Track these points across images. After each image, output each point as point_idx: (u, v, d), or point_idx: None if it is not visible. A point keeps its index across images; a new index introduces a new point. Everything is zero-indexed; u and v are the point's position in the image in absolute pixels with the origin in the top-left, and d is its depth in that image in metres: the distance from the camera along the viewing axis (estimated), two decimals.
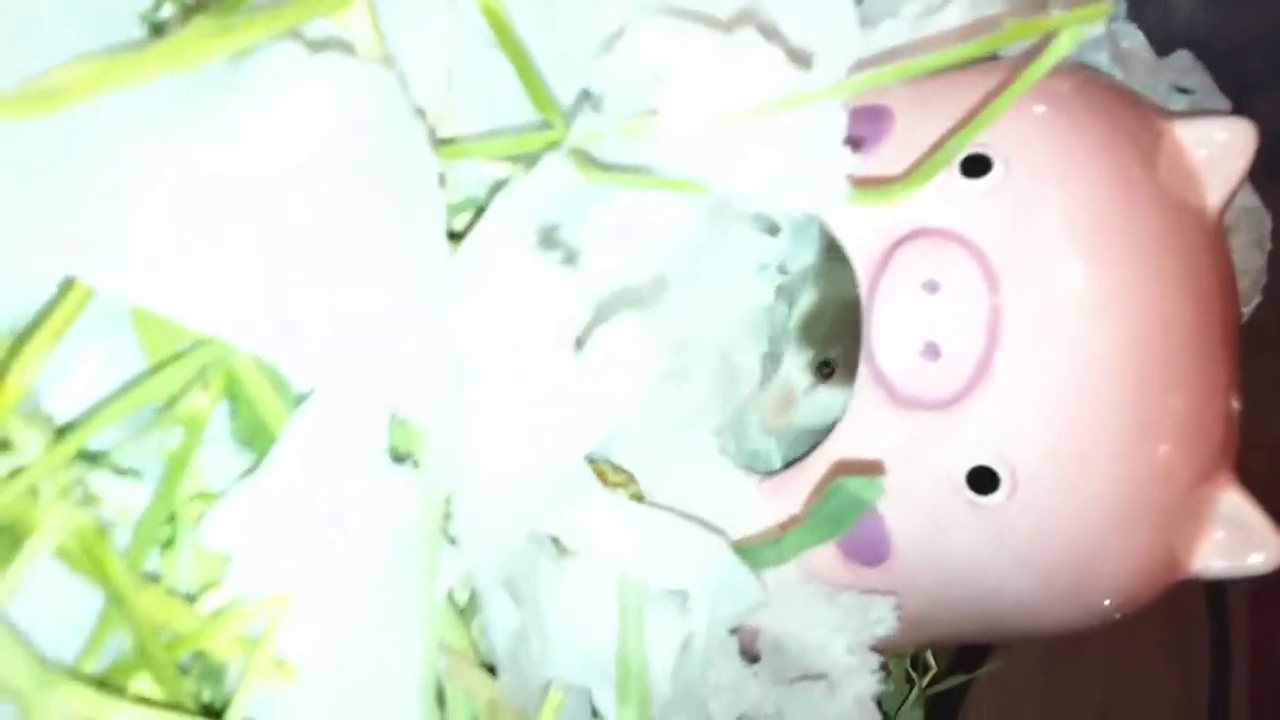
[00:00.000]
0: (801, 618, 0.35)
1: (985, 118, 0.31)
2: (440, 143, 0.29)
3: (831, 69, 0.29)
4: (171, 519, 0.25)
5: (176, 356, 0.24)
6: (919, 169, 0.32)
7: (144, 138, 0.21)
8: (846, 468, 0.33)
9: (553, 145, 0.28)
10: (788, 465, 0.38)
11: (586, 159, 0.28)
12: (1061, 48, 0.29)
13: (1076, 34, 0.28)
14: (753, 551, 0.32)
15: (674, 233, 0.32)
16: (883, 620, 0.35)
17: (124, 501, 0.24)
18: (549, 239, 0.27)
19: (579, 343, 0.25)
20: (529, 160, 0.27)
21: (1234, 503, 0.37)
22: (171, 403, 0.25)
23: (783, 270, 0.41)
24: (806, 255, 0.40)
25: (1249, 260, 0.42)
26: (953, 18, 0.36)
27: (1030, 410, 0.34)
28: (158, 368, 0.24)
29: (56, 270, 0.22)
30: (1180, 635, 0.55)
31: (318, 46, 0.25)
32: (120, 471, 0.25)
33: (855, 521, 0.31)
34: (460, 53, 0.28)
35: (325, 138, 0.24)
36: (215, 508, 0.24)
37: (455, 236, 0.28)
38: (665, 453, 0.33)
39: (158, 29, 0.24)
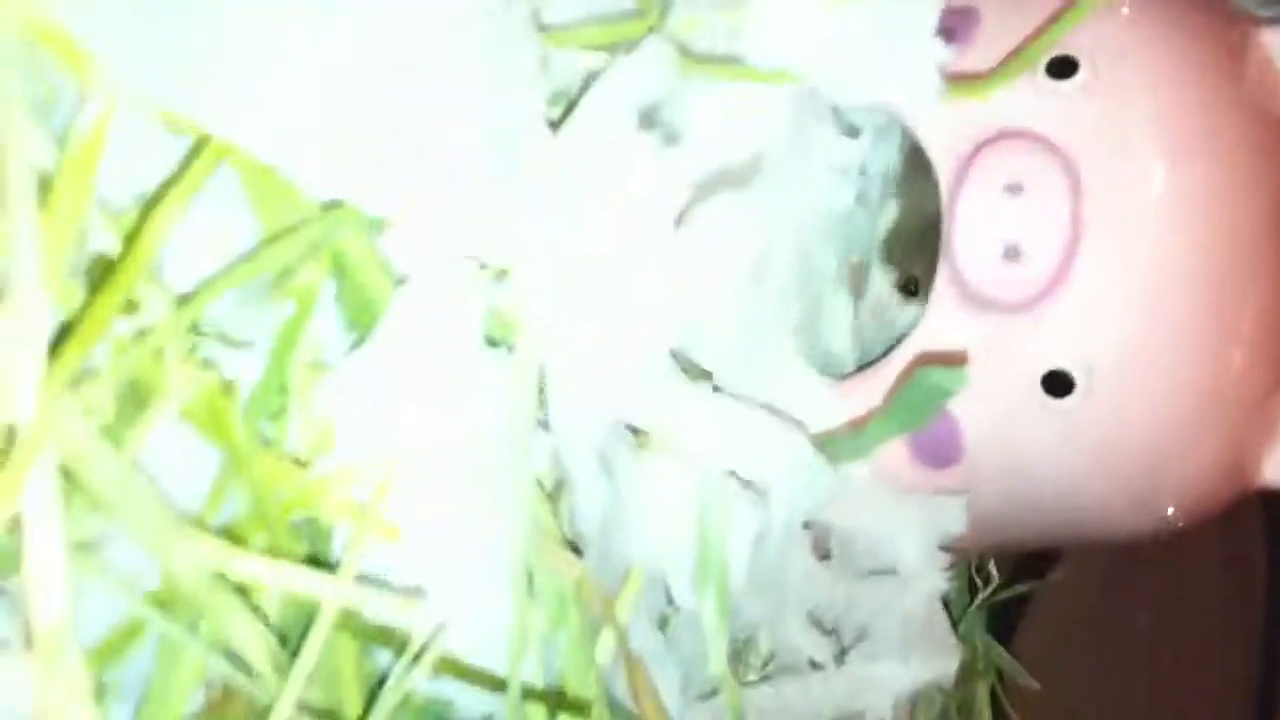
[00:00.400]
0: (873, 515, 0.36)
1: (1077, 13, 0.31)
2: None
3: None
4: (283, 389, 0.26)
5: (290, 230, 0.25)
6: (1008, 65, 0.32)
7: (276, 6, 0.22)
8: (928, 359, 0.34)
9: (649, 33, 0.29)
10: (863, 368, 0.39)
11: (682, 49, 0.28)
12: None
13: None
14: (832, 444, 0.33)
15: (764, 125, 0.32)
16: (954, 520, 0.36)
17: (240, 369, 0.25)
18: (649, 119, 0.27)
19: (678, 222, 0.26)
20: (625, 49, 0.28)
21: None
22: (284, 275, 0.25)
23: (863, 173, 0.41)
24: (887, 159, 0.41)
25: None
26: None
27: (1108, 315, 0.34)
28: (271, 240, 0.25)
29: (192, 125, 0.23)
30: (1238, 551, 0.55)
31: None
32: (234, 342, 0.26)
33: (937, 411, 0.32)
34: None
35: (437, 14, 0.25)
36: (325, 378, 0.25)
37: (550, 127, 0.28)
38: (743, 349, 0.33)
39: None
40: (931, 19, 0.30)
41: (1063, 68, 0.35)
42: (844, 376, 0.39)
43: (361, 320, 0.27)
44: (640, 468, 0.31)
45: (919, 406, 0.32)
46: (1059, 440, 0.36)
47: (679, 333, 0.28)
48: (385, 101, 0.24)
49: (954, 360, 0.32)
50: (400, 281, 0.27)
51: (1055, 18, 0.33)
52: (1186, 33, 0.36)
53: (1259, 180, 0.35)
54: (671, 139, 0.27)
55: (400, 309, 0.27)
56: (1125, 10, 0.36)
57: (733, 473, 0.31)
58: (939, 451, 0.37)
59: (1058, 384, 0.35)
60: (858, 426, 0.34)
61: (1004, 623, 0.51)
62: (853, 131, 0.39)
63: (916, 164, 0.40)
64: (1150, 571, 0.54)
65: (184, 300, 0.24)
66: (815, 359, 0.40)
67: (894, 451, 0.37)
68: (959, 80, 0.32)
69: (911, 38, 0.29)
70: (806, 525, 0.35)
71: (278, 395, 0.26)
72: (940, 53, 0.30)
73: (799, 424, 0.32)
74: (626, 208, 0.26)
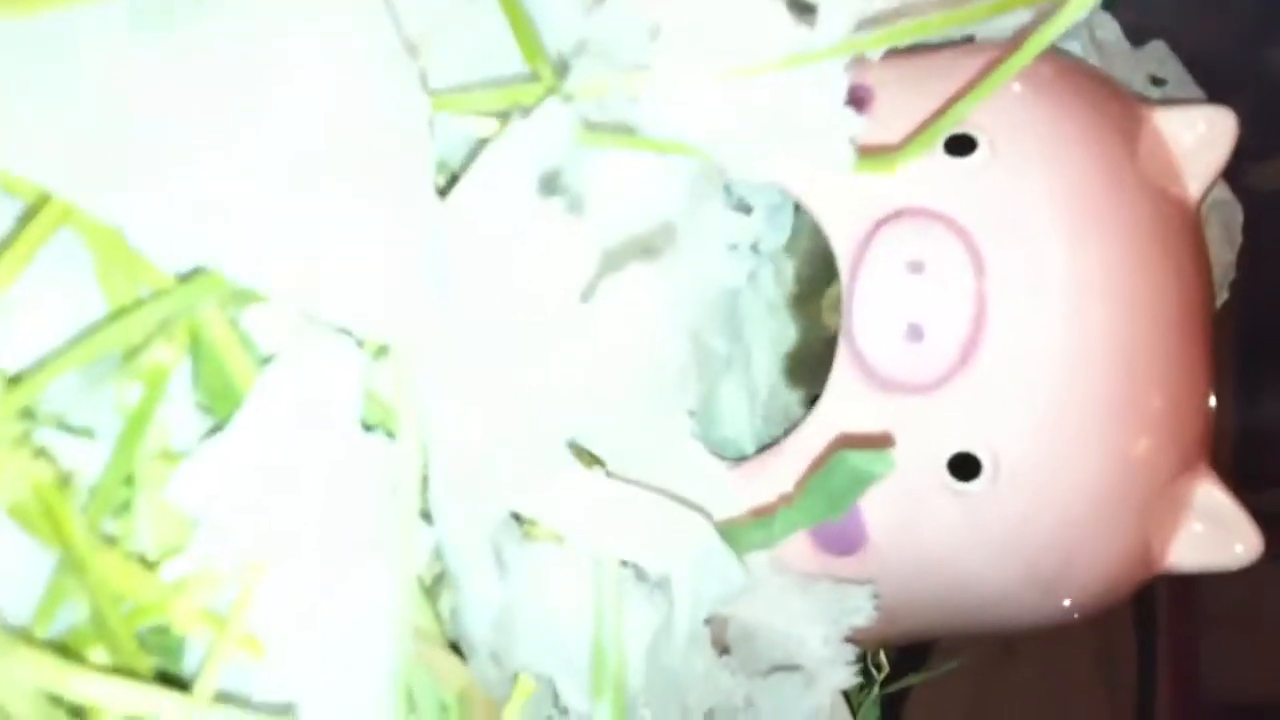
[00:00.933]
0: (774, 607, 0.34)
1: (985, 88, 0.30)
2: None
3: (835, 26, 0.28)
4: (130, 481, 0.23)
5: (139, 302, 0.22)
6: (915, 139, 0.31)
7: (127, 49, 0.19)
8: (846, 441, 0.32)
9: (545, 97, 0.27)
10: (761, 450, 0.37)
11: (579, 114, 0.26)
12: (1074, 10, 0.28)
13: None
14: (738, 532, 0.31)
15: (665, 195, 0.31)
16: (860, 609, 0.34)
17: (79, 460, 0.22)
18: (550, 185, 0.25)
19: (585, 295, 0.24)
20: (519, 114, 0.26)
21: (1211, 495, 0.36)
22: (133, 353, 0.23)
23: (755, 250, 0.40)
24: (779, 237, 0.40)
25: (1219, 254, 0.42)
26: None
27: (1015, 394, 0.33)
28: (118, 315, 0.23)
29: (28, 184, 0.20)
30: (1108, 641, 0.55)
31: None
32: (74, 428, 0.23)
33: (857, 499, 0.30)
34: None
35: (312, 65, 0.23)
36: (181, 467, 0.23)
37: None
38: (641, 432, 0.31)
39: None
40: (840, 88, 0.28)
41: (961, 145, 0.34)
42: (742, 460, 0.37)
43: (221, 403, 0.25)
44: (531, 560, 0.29)
45: (837, 494, 0.30)
46: (968, 525, 0.34)
47: (578, 415, 0.26)
48: (254, 160, 0.22)
49: (874, 443, 0.30)
50: (265, 360, 0.25)
51: (959, 94, 0.32)
52: (1083, 111, 0.35)
53: (1160, 260, 0.35)
54: (575, 206, 0.25)
55: (265, 390, 0.24)
56: (1017, 87, 0.35)
57: (631, 564, 0.29)
58: (842, 538, 0.35)
59: (964, 467, 0.34)
60: (764, 514, 0.32)
61: (889, 714, 0.49)
62: (744, 208, 0.38)
63: (812, 242, 0.39)
64: (1023, 662, 0.54)
65: (16, 381, 0.21)
66: (711, 443, 0.39)
67: (794, 537, 0.36)
68: (864, 154, 0.31)
69: (822, 110, 0.28)
70: (707, 620, 0.33)
71: (123, 488, 0.23)
72: (853, 124, 0.29)
73: (702, 511, 0.30)
74: (526, 279, 0.24)
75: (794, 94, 0.28)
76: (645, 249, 0.27)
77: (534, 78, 0.28)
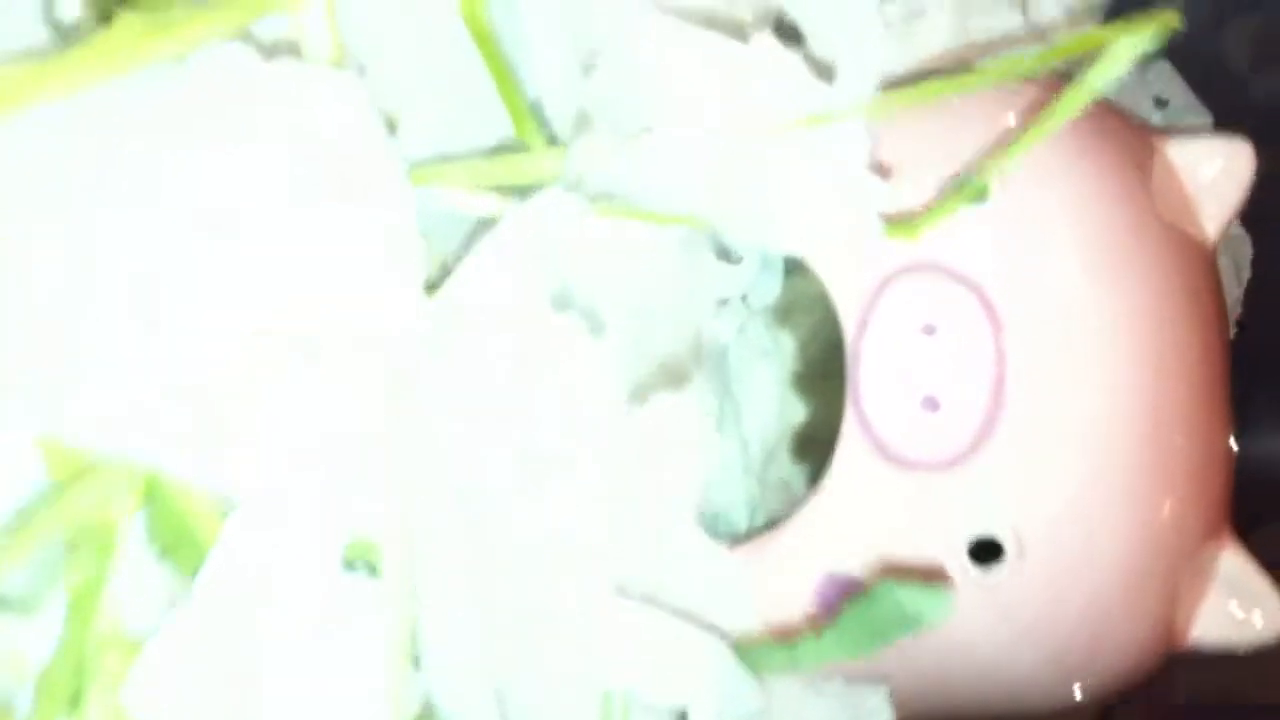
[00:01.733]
0: (787, 709, 0.31)
1: (1021, 144, 0.27)
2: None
3: (858, 83, 0.25)
4: (79, 670, 0.19)
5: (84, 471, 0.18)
6: (943, 200, 0.28)
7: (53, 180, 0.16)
8: (897, 571, 0.29)
9: (544, 173, 0.23)
10: (766, 526, 0.34)
11: (590, 190, 0.23)
12: (1121, 60, 0.25)
13: (1137, 46, 0.25)
14: (757, 654, 0.28)
15: (656, 265, 0.28)
16: (878, 711, 0.32)
17: (24, 642, 0.19)
18: (564, 299, 0.22)
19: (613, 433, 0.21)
20: (516, 195, 0.22)
21: (1235, 564, 0.34)
22: (78, 520, 0.19)
23: (745, 302, 0.36)
24: (770, 290, 0.37)
25: (1229, 291, 0.39)
26: (939, 26, 0.33)
27: (1040, 469, 0.31)
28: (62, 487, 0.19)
29: None
30: None
31: (270, 51, 0.19)
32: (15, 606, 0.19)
33: (900, 639, 0.27)
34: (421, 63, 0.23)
35: (283, 167, 0.19)
36: (137, 661, 0.19)
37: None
38: (648, 553, 0.28)
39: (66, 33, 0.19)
40: (863, 152, 0.25)
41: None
42: (737, 539, 0.34)
43: (183, 556, 0.21)
44: (538, 695, 0.25)
45: (877, 630, 0.27)
46: (990, 612, 0.32)
47: (588, 549, 0.23)
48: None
49: (930, 576, 0.27)
50: (230, 510, 0.21)
51: (990, 147, 0.30)
52: (1100, 146, 0.33)
53: (1184, 308, 0.33)
54: (596, 325, 0.22)
55: (232, 540, 0.21)
56: None
57: (645, 693, 0.26)
58: None
59: (985, 552, 0.31)
60: (789, 637, 0.29)
61: None
62: (732, 256, 0.35)
63: (808, 298, 0.36)
64: None
65: None
66: (705, 519, 0.36)
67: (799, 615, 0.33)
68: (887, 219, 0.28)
69: (842, 173, 0.25)
70: None
71: (72, 678, 0.19)
72: (879, 191, 0.26)
73: (719, 631, 0.27)
74: (540, 409, 0.20)
75: (812, 158, 0.25)
76: (673, 375, 0.24)
77: (523, 147, 0.24)
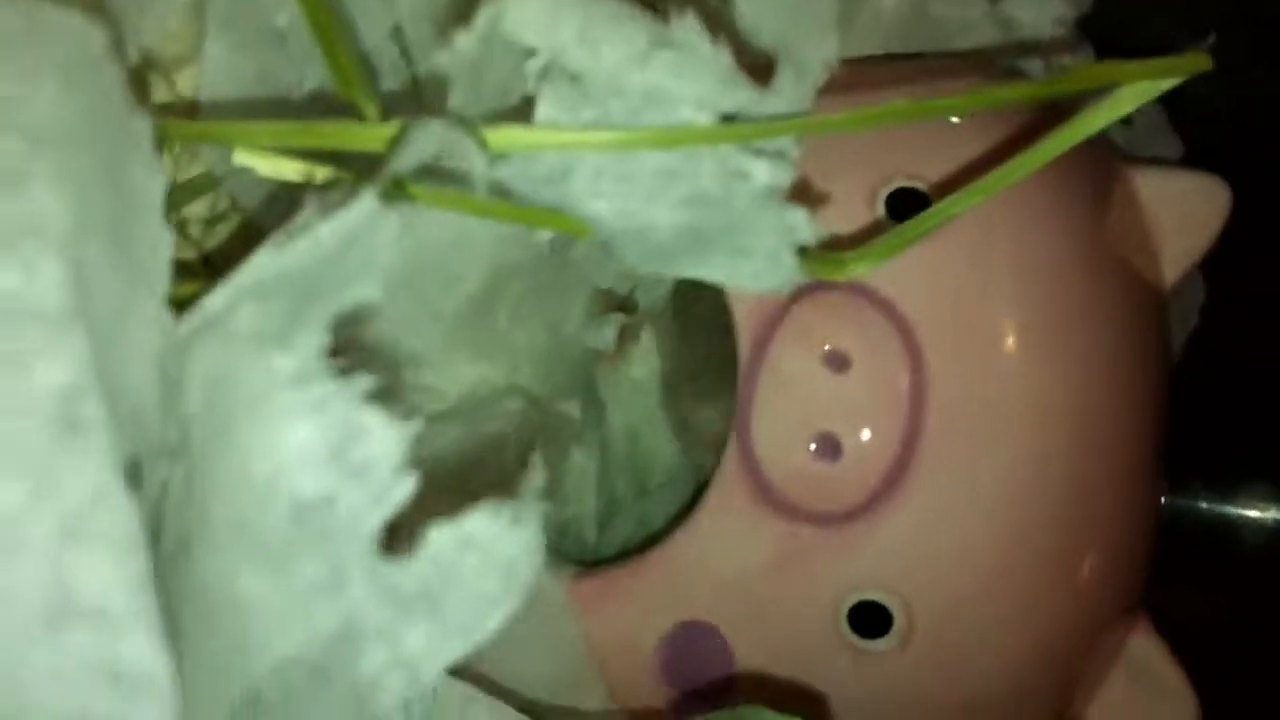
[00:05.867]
0: None
1: (990, 184, 0.23)
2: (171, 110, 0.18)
3: (793, 93, 0.20)
4: None
5: None
6: (887, 237, 0.23)
7: None
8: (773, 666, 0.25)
9: (366, 151, 0.18)
10: (618, 556, 0.30)
11: (412, 179, 0.18)
12: (1133, 102, 0.21)
13: (1147, 92, 0.21)
14: None
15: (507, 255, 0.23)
16: None
17: None
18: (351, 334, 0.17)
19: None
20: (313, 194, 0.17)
21: (1145, 649, 0.31)
22: None
23: (629, 306, 0.31)
24: (656, 295, 0.32)
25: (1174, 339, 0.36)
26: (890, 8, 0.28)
27: (946, 538, 0.27)
28: None
29: None
30: None
31: None
32: None
33: None
34: None
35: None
36: None
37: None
38: None
39: None
40: (785, 176, 0.21)
41: (907, 206, 0.27)
42: (588, 568, 0.30)
43: None
44: None
45: None
46: (863, 689, 0.28)
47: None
48: None
49: (823, 696, 0.23)
50: None
51: (956, 174, 0.25)
52: (1057, 178, 0.28)
53: (1128, 365, 0.30)
54: (393, 398, 0.16)
55: None
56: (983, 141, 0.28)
57: None
58: (706, 690, 0.28)
59: (868, 620, 0.27)
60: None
61: None
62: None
63: (696, 307, 0.31)
64: None
65: None
66: (555, 523, 0.31)
67: (646, 682, 0.29)
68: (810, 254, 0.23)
69: (759, 202, 0.20)
70: None
71: None
72: (800, 224, 0.21)
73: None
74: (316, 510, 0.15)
75: (725, 174, 0.20)
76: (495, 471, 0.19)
77: (353, 113, 0.19)
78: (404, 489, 0.15)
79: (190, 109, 0.21)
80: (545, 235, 0.24)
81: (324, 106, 0.23)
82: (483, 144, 0.18)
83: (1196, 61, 0.21)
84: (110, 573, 0.13)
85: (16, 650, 0.13)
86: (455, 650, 0.16)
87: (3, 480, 0.13)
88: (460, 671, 0.25)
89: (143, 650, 0.13)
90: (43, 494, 0.13)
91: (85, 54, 0.14)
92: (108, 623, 0.13)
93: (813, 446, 0.27)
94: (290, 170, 0.19)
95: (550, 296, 0.27)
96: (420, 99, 0.23)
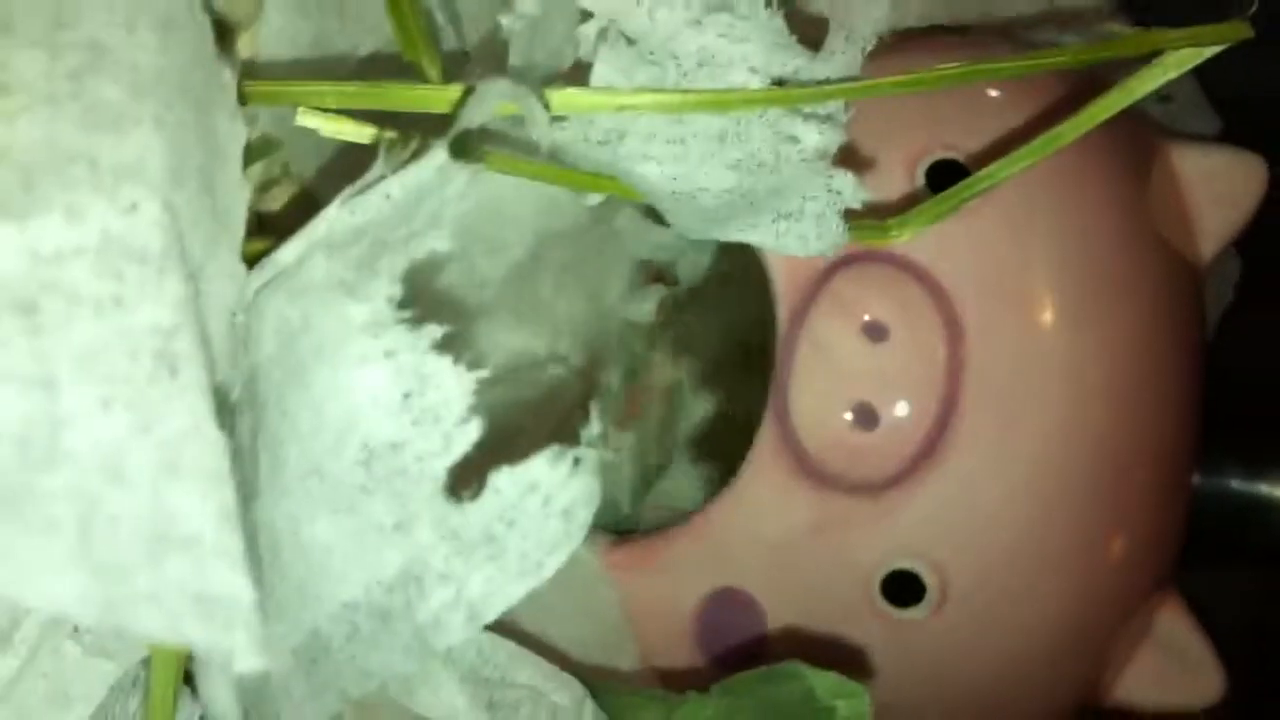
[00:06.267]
0: None
1: (1031, 151, 0.23)
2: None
3: (843, 57, 0.21)
4: None
5: None
6: (932, 202, 0.24)
7: None
8: (806, 632, 0.26)
9: (426, 113, 0.19)
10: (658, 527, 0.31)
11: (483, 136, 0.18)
12: (1177, 69, 0.21)
13: (1189, 59, 0.21)
14: (626, 704, 0.24)
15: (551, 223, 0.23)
16: None
17: None
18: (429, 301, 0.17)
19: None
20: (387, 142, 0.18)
21: (1174, 625, 0.31)
22: None
23: (671, 279, 0.32)
24: (699, 265, 0.32)
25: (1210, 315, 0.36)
26: None
27: (982, 507, 0.28)
28: None
29: None
30: None
31: None
32: None
33: None
34: None
35: None
36: None
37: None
38: None
39: None
40: (835, 139, 0.21)
41: (948, 177, 0.27)
42: (625, 535, 0.30)
43: None
44: None
45: (777, 714, 0.23)
46: (895, 655, 0.29)
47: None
48: None
49: (854, 661, 0.23)
50: None
51: (997, 143, 0.25)
52: (1099, 152, 0.29)
53: (1165, 338, 0.30)
54: (451, 344, 0.17)
55: None
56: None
57: None
58: (738, 653, 0.29)
59: (901, 588, 0.28)
60: (667, 681, 0.26)
61: None
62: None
63: (738, 275, 0.32)
64: None
65: None
66: None
67: (679, 646, 0.29)
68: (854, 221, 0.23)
69: (808, 166, 0.21)
70: None
71: None
72: (848, 189, 0.21)
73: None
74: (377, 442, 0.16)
75: (776, 137, 0.20)
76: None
77: (416, 75, 0.19)
78: (470, 434, 0.16)
79: (246, 72, 0.21)
80: (588, 204, 0.25)
81: (378, 72, 0.23)
82: (547, 105, 0.19)
83: (1238, 30, 0.21)
84: (202, 504, 0.14)
85: (119, 574, 0.14)
86: (516, 592, 0.16)
87: (108, 414, 0.14)
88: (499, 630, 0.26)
89: (230, 580, 0.14)
90: (144, 427, 0.14)
91: (179, 6, 0.15)
92: (200, 551, 0.14)
93: (850, 416, 0.27)
94: (352, 132, 0.19)
95: (591, 266, 0.28)
96: (470, 65, 0.23)
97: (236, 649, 0.14)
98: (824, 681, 0.22)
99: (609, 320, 0.30)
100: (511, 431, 0.27)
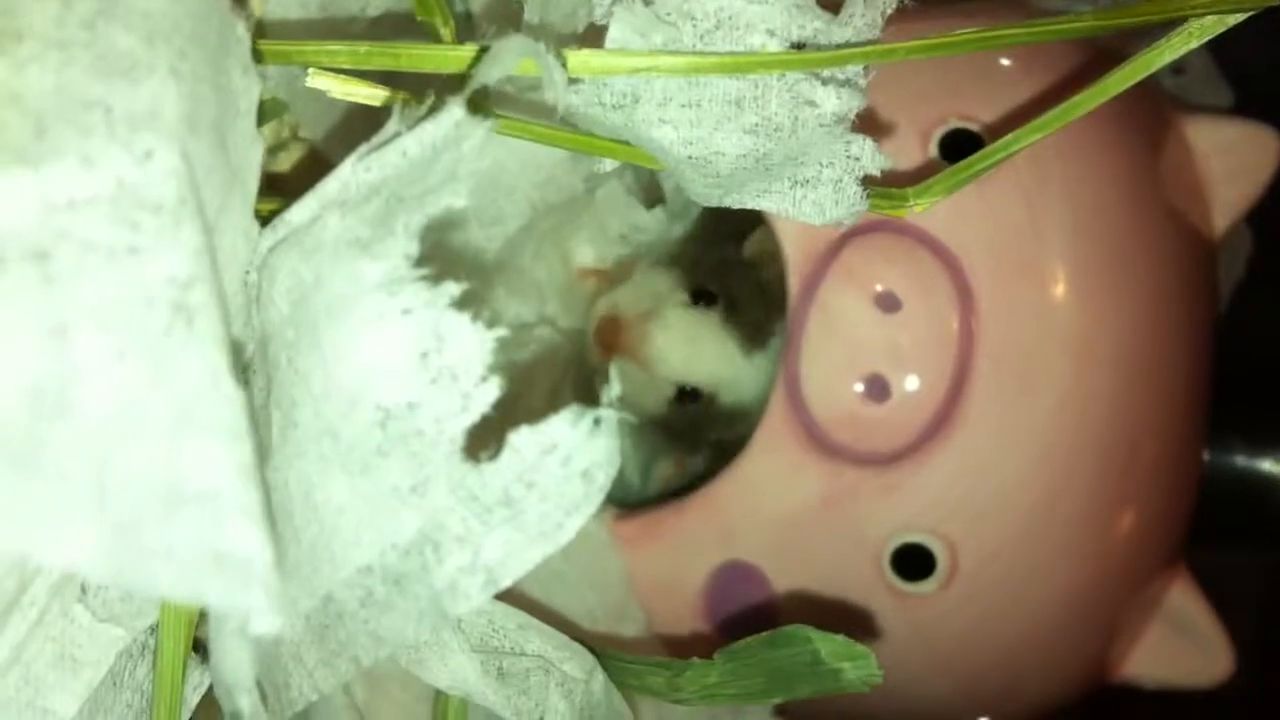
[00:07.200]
0: None
1: (1054, 119, 0.23)
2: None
3: (861, 21, 0.20)
4: None
5: None
6: (949, 172, 0.23)
7: None
8: (814, 606, 0.25)
9: (436, 74, 0.18)
10: (662, 497, 0.30)
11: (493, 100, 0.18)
12: (1201, 38, 0.21)
13: (1213, 27, 0.21)
14: (632, 670, 0.24)
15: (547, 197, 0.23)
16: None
17: None
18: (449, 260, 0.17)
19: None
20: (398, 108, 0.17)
21: (1184, 600, 0.31)
22: None
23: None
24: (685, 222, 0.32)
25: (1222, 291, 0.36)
26: None
27: (993, 479, 0.27)
28: None
29: None
30: None
31: None
32: None
33: (809, 694, 0.23)
34: None
35: None
36: None
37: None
38: None
39: None
40: (854, 104, 0.21)
41: (963, 148, 0.27)
42: (632, 510, 0.30)
43: None
44: None
45: (782, 677, 0.23)
46: (905, 630, 0.29)
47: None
48: None
49: (864, 637, 0.23)
50: None
51: (1014, 111, 0.25)
52: (1112, 123, 0.28)
53: (1176, 310, 0.30)
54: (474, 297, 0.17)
55: None
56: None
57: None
58: (746, 626, 0.29)
59: (911, 562, 0.27)
60: (674, 649, 0.25)
61: None
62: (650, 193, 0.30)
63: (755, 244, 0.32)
64: None
65: None
66: None
67: (689, 617, 0.29)
68: (873, 188, 0.23)
69: (828, 133, 0.20)
70: None
71: None
72: (868, 154, 0.21)
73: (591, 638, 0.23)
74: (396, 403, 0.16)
75: (794, 101, 0.20)
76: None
77: (426, 36, 0.19)
78: (489, 394, 0.16)
79: (256, 32, 0.21)
80: (584, 176, 0.24)
81: (386, 33, 0.23)
82: (564, 64, 0.18)
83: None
84: (220, 459, 0.14)
85: (133, 530, 0.13)
86: (534, 555, 0.16)
87: (123, 365, 0.13)
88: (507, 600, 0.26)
89: (247, 536, 0.14)
90: (160, 379, 0.14)
91: None
92: (216, 507, 0.14)
93: (861, 388, 0.27)
94: (364, 94, 0.19)
95: (565, 232, 0.27)
96: (479, 27, 0.23)
97: (254, 608, 0.14)
98: (830, 644, 0.21)
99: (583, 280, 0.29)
100: (511, 395, 0.26)
